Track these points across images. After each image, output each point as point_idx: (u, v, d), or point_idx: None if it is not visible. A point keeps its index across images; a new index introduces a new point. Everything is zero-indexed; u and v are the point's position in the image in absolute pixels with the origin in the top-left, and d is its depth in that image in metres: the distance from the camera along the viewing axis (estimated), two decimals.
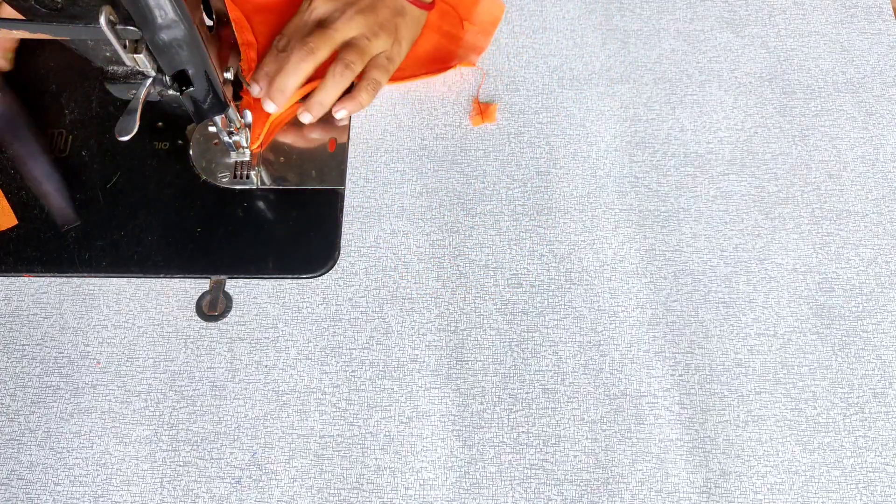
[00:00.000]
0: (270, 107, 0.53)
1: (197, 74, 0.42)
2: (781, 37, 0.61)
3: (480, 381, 0.50)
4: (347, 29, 0.54)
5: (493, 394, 0.50)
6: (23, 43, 0.60)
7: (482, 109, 0.58)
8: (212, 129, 0.50)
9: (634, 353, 0.51)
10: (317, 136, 0.57)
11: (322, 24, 0.54)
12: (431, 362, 0.50)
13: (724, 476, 0.47)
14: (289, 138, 0.57)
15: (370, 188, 0.56)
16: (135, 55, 0.39)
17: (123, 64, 0.41)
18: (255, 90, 0.54)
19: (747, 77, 0.59)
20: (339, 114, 0.55)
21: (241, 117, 0.52)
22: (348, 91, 0.55)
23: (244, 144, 0.53)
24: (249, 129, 0.53)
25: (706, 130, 0.58)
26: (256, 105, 0.54)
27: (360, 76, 0.55)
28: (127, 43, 0.38)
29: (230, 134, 0.51)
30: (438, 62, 0.59)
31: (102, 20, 0.36)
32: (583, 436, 0.48)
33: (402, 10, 0.56)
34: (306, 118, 0.54)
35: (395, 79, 0.58)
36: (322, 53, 0.53)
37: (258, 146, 0.55)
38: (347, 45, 0.54)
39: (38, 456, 0.48)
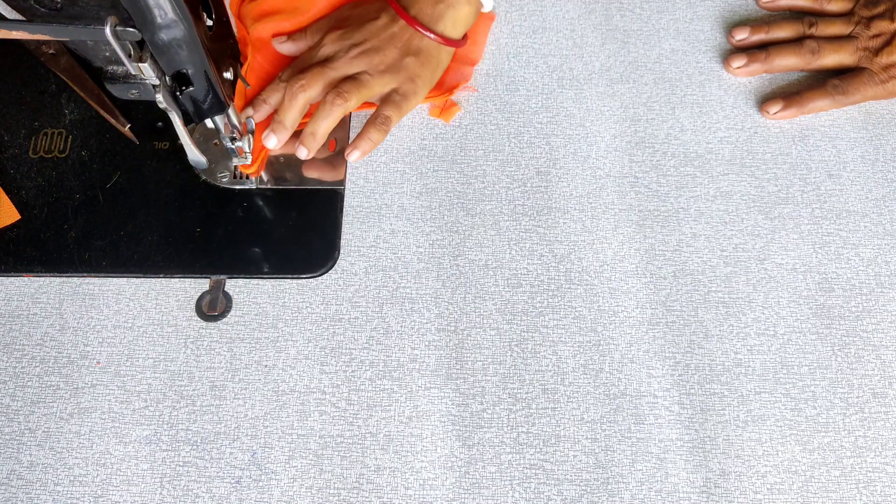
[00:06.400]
0: (272, 141, 0.53)
1: (197, 74, 0.42)
2: None
3: (480, 381, 0.50)
4: (347, 68, 0.54)
5: (493, 394, 0.50)
6: (23, 43, 0.60)
7: (446, 106, 0.58)
8: (211, 126, 0.50)
9: (634, 353, 0.51)
10: None
11: (326, 60, 0.54)
12: (431, 362, 0.50)
13: (724, 476, 0.47)
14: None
15: (370, 188, 0.56)
16: (140, 64, 0.39)
17: (124, 65, 0.41)
18: (255, 116, 0.54)
19: (747, 77, 0.59)
20: (352, 157, 0.54)
21: (245, 124, 0.52)
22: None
23: (247, 150, 0.53)
24: (252, 135, 0.53)
25: (706, 130, 0.58)
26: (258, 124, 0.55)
27: (375, 114, 0.55)
28: (132, 52, 0.38)
29: (233, 140, 0.51)
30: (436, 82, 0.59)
31: (108, 30, 0.36)
32: (583, 436, 0.48)
33: (416, 49, 0.55)
34: (302, 153, 0.53)
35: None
36: (314, 90, 0.53)
37: (255, 171, 0.55)
38: (350, 78, 0.54)
39: (38, 456, 0.48)
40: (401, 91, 0.55)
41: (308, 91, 0.53)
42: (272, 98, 0.54)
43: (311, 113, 0.54)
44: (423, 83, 0.56)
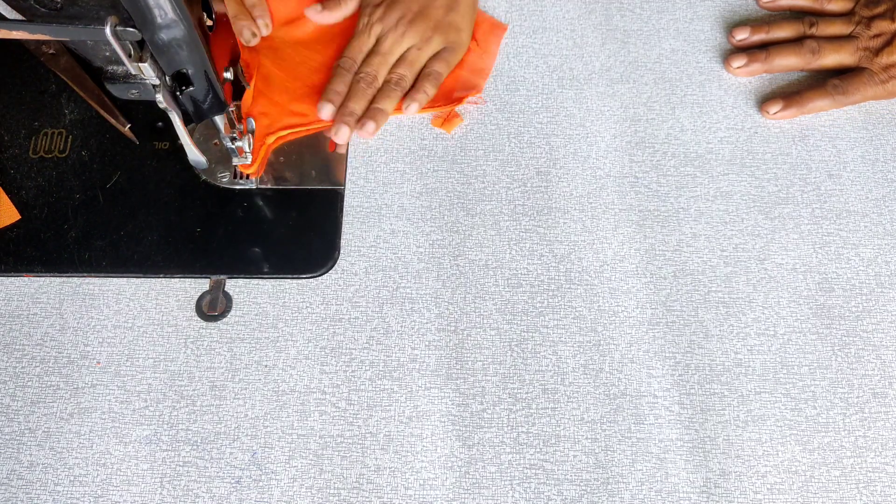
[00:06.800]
0: (344, 133, 0.55)
1: (196, 74, 0.42)
2: None
3: (480, 381, 0.50)
4: (399, 47, 0.57)
5: (493, 394, 0.50)
6: (23, 43, 0.60)
7: (449, 116, 0.58)
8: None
9: (634, 353, 0.51)
10: (317, 136, 0.57)
11: (378, 44, 0.57)
12: (431, 362, 0.50)
13: (724, 476, 0.47)
14: (289, 139, 0.57)
15: (370, 188, 0.56)
16: (140, 64, 0.39)
17: (124, 65, 0.41)
18: (327, 110, 0.56)
19: (747, 77, 0.59)
20: (410, 108, 0.57)
21: (245, 124, 0.52)
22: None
23: (247, 150, 0.53)
24: (252, 135, 0.53)
25: (706, 130, 0.58)
26: (258, 118, 0.55)
27: (426, 70, 0.58)
28: (132, 52, 0.38)
29: (233, 140, 0.51)
30: (443, 90, 0.58)
31: (108, 30, 0.36)
32: (583, 436, 0.48)
33: (453, 3, 0.58)
34: (370, 127, 0.55)
35: (398, 110, 0.57)
36: (381, 78, 0.57)
37: (255, 171, 0.55)
38: (400, 60, 0.57)
39: (38, 456, 0.48)
40: (449, 47, 0.58)
41: (378, 81, 0.56)
42: (341, 87, 0.56)
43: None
44: (467, 30, 0.59)
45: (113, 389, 0.50)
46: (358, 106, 0.56)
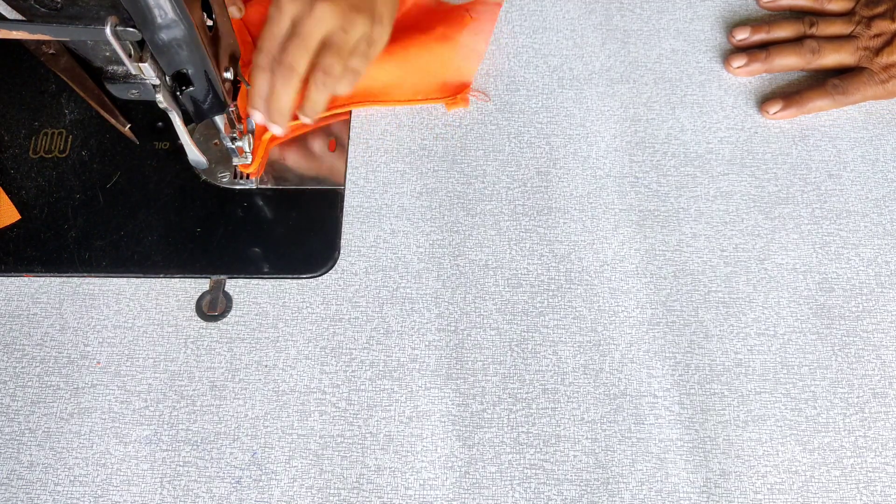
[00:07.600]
0: (277, 129, 0.50)
1: (197, 74, 0.42)
2: None
3: (480, 381, 0.50)
4: (319, 28, 0.49)
5: (493, 394, 0.50)
6: (23, 43, 0.60)
7: (458, 100, 0.57)
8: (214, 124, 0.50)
9: (634, 353, 0.51)
10: (317, 136, 0.57)
11: (294, 28, 0.49)
12: (431, 362, 0.50)
13: (724, 476, 0.47)
14: (289, 138, 0.57)
15: (370, 188, 0.56)
16: (140, 64, 0.39)
17: (124, 65, 0.41)
18: (257, 118, 0.51)
19: (747, 77, 0.59)
20: (306, 115, 0.51)
21: (245, 123, 0.52)
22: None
23: (247, 150, 0.53)
24: (252, 135, 0.53)
25: (706, 130, 0.58)
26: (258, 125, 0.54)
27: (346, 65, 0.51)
28: (132, 52, 0.38)
29: (233, 139, 0.51)
30: (435, 73, 0.58)
31: (108, 30, 0.36)
32: (583, 436, 0.48)
33: None
34: (307, 119, 0.51)
35: (395, 101, 0.57)
36: (302, 66, 0.49)
37: (255, 170, 0.54)
38: (324, 46, 0.50)
39: (38, 456, 0.48)
40: (368, 37, 0.51)
41: (298, 70, 0.49)
42: (263, 89, 0.50)
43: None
44: (388, 21, 0.52)
45: (113, 389, 0.50)
46: (284, 102, 0.49)
